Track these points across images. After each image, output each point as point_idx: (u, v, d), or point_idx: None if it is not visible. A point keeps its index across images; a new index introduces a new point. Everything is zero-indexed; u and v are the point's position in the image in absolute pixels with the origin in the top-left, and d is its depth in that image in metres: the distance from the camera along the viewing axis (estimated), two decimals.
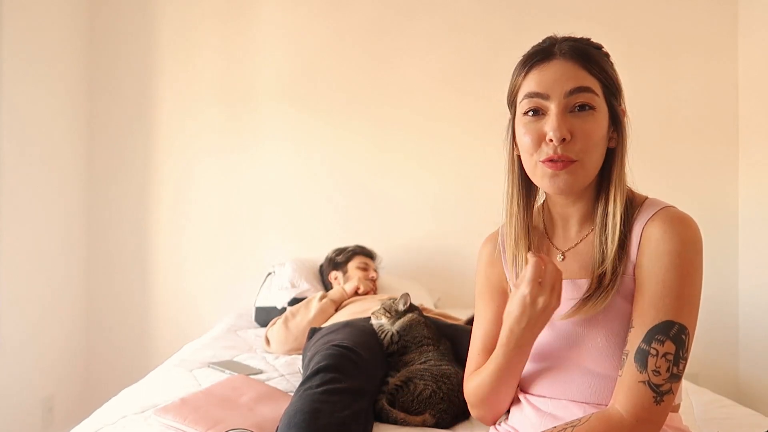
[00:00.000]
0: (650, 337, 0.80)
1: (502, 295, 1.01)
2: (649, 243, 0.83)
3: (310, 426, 1.09)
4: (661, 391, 0.79)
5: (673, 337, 0.79)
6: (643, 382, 0.79)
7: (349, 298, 2.12)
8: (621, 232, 0.86)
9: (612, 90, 0.87)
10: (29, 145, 2.42)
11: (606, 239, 0.87)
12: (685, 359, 0.81)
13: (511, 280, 0.99)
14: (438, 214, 2.82)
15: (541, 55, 0.88)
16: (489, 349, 0.99)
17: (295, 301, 2.36)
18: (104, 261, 2.83)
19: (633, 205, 0.89)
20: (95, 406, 1.57)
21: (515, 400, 1.01)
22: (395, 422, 1.28)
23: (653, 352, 0.79)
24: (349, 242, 2.61)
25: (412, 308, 1.66)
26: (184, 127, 2.84)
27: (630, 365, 0.80)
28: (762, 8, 2.63)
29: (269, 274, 2.61)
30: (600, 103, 0.85)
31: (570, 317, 0.89)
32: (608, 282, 0.85)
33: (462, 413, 1.39)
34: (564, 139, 0.83)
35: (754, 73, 2.68)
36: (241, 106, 2.84)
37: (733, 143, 2.77)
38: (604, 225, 0.88)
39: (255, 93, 2.83)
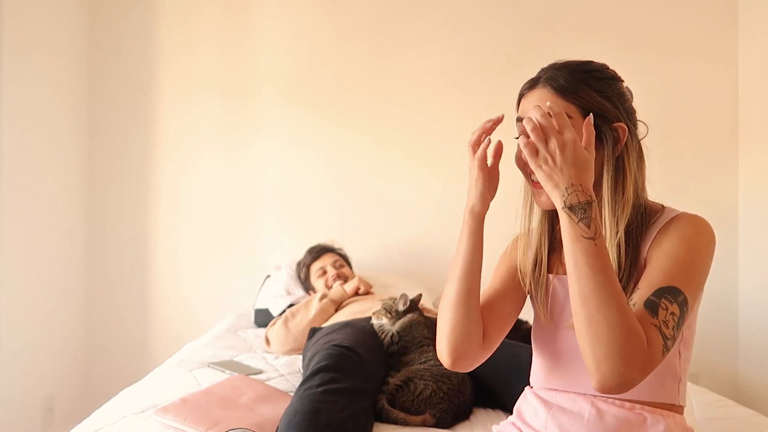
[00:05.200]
0: (660, 294, 0.80)
1: (515, 274, 1.03)
2: (665, 232, 0.88)
3: (310, 426, 1.09)
4: (668, 342, 0.79)
5: (679, 303, 0.81)
6: (656, 326, 0.78)
7: (349, 298, 2.12)
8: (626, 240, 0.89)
9: (595, 110, 0.89)
10: (29, 145, 2.42)
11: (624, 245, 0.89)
12: (681, 331, 0.82)
13: (529, 281, 1.02)
14: (438, 213, 2.82)
15: (529, 84, 0.95)
16: (487, 306, 1.01)
17: None
18: (104, 261, 2.83)
19: (648, 214, 0.92)
20: (95, 406, 1.57)
21: (523, 396, 1.03)
22: (395, 422, 1.29)
23: (663, 306, 0.80)
24: (349, 240, 2.62)
25: (412, 308, 1.66)
26: (185, 124, 2.84)
27: (640, 310, 0.80)
28: (762, 9, 2.63)
29: (268, 276, 2.61)
30: (574, 125, 0.88)
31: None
32: (631, 285, 0.87)
33: (462, 413, 1.39)
34: None
35: (754, 74, 2.68)
36: (241, 103, 2.83)
37: (733, 144, 2.77)
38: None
39: (255, 90, 2.83)
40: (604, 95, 0.91)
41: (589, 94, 0.90)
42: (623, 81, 0.95)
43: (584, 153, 0.81)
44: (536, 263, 1.00)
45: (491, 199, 0.95)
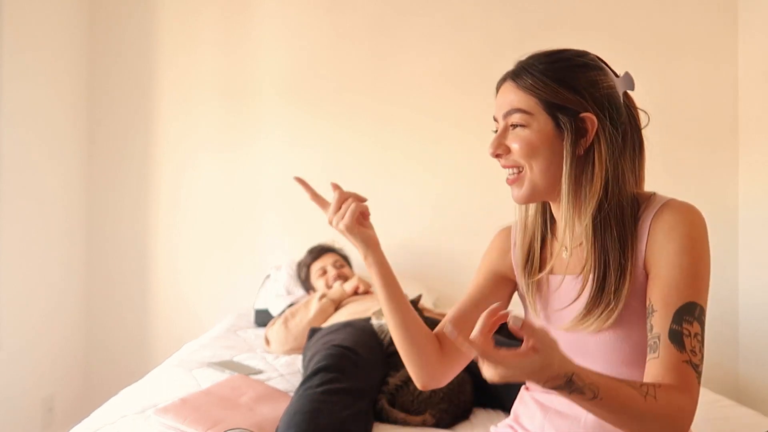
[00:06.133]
0: (679, 318, 0.80)
1: (497, 279, 1.03)
2: (659, 232, 0.85)
3: (309, 426, 1.09)
4: (699, 371, 0.79)
5: (698, 318, 0.80)
6: (686, 361, 0.78)
7: (348, 297, 2.12)
8: (600, 233, 0.87)
9: (555, 102, 0.88)
10: (29, 144, 2.42)
11: (597, 240, 0.87)
12: (704, 340, 0.82)
13: (520, 278, 1.00)
14: (437, 213, 2.82)
15: (501, 80, 0.96)
16: (460, 317, 1.00)
17: None
18: (104, 261, 2.83)
19: (637, 202, 0.90)
20: (95, 406, 1.57)
21: (520, 397, 1.03)
22: (395, 422, 1.29)
23: (686, 332, 0.79)
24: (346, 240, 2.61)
25: None
26: (185, 124, 2.84)
27: (668, 347, 0.79)
28: (762, 9, 2.63)
29: (267, 276, 2.61)
30: (533, 119, 0.89)
31: (574, 330, 0.89)
32: (612, 292, 0.85)
33: (462, 413, 1.39)
34: (498, 155, 0.93)
35: (754, 73, 2.68)
36: (242, 103, 2.83)
37: (733, 143, 2.77)
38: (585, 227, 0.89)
39: (255, 90, 2.83)
40: (567, 85, 0.88)
41: (548, 85, 0.88)
42: (601, 69, 0.91)
43: (525, 366, 0.67)
44: (528, 257, 0.99)
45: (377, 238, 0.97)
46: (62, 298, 2.66)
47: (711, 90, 2.78)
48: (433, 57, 2.81)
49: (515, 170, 0.92)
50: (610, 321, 0.85)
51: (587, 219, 0.87)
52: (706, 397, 1.51)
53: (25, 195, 2.39)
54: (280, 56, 2.83)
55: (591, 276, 0.88)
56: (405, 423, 1.28)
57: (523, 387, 1.03)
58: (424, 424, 1.29)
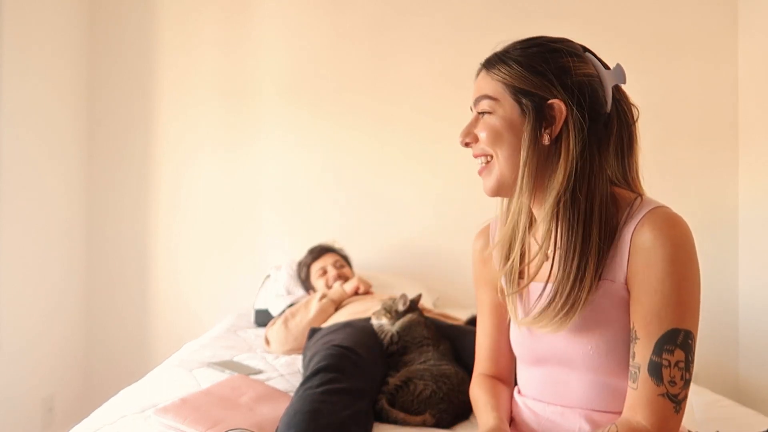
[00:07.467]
0: (659, 348, 0.78)
1: (495, 290, 1.01)
2: (641, 251, 0.80)
3: (310, 426, 1.09)
4: (679, 399, 0.79)
5: (681, 345, 0.78)
6: (662, 394, 0.78)
7: (348, 298, 2.12)
8: (556, 235, 0.84)
9: (521, 87, 0.86)
10: (29, 144, 2.43)
11: (563, 244, 0.84)
12: (693, 362, 0.80)
13: (505, 283, 0.97)
14: (438, 213, 2.82)
15: (477, 70, 0.95)
16: (491, 347, 1.04)
17: None
18: (104, 261, 2.83)
19: (621, 206, 0.85)
20: (95, 406, 1.57)
21: (514, 402, 1.01)
22: (395, 422, 1.28)
23: (665, 363, 0.78)
24: (349, 240, 2.62)
25: (412, 308, 1.66)
26: (185, 124, 2.84)
27: (646, 380, 0.79)
28: (762, 8, 2.63)
29: (267, 276, 2.61)
30: (499, 105, 0.87)
31: (530, 325, 0.88)
32: (566, 295, 0.83)
33: (462, 413, 1.39)
34: (467, 143, 0.91)
35: (754, 73, 2.68)
36: (242, 103, 2.83)
37: (733, 144, 2.76)
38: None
39: (255, 90, 2.83)
40: (534, 70, 0.85)
41: (514, 70, 0.86)
42: (578, 56, 0.86)
43: None
44: (508, 260, 0.94)
45: None
46: (62, 298, 2.66)
47: (711, 90, 2.78)
48: (433, 57, 2.81)
49: (484, 159, 0.90)
50: (566, 325, 0.83)
51: (545, 211, 0.84)
52: (706, 397, 1.51)
53: (25, 195, 2.39)
54: (280, 56, 2.83)
55: (555, 272, 0.85)
56: (405, 423, 1.28)
57: (516, 389, 1.02)
58: (424, 424, 1.29)
